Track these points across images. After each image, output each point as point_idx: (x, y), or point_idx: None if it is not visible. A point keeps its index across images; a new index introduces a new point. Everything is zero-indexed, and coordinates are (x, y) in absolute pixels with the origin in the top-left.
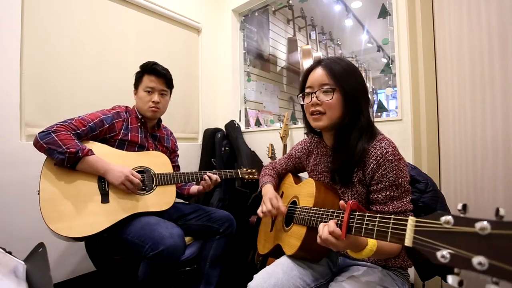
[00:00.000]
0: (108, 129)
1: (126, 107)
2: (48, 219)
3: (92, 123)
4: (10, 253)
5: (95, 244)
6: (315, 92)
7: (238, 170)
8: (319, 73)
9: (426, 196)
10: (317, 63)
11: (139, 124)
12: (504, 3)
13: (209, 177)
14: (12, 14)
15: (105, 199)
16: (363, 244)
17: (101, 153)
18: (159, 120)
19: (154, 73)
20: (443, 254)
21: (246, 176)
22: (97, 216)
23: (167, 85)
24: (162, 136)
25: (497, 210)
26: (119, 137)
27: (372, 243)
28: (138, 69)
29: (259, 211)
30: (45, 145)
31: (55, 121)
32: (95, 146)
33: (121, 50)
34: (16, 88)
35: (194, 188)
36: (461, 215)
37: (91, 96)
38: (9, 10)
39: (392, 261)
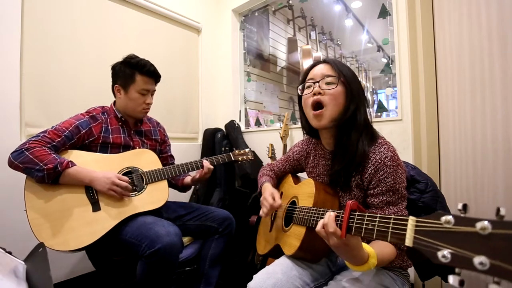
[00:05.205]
0: (86, 135)
1: (102, 107)
2: (41, 238)
3: (67, 131)
4: (10, 253)
5: (94, 245)
6: (318, 82)
7: (230, 153)
8: (322, 66)
9: (426, 196)
10: (321, 61)
11: (119, 123)
12: (504, 3)
13: (207, 167)
14: (12, 14)
15: (96, 207)
16: (364, 258)
17: (84, 161)
18: None
19: (150, 75)
20: (444, 254)
21: (239, 158)
22: (91, 225)
23: (156, 83)
24: (148, 130)
25: (498, 210)
26: (100, 140)
27: (373, 258)
28: (120, 62)
29: (261, 212)
30: (21, 165)
31: (55, 121)
32: (76, 155)
33: (121, 50)
34: (16, 88)
35: (188, 179)
36: (462, 215)
37: (91, 96)
38: (9, 10)
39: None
